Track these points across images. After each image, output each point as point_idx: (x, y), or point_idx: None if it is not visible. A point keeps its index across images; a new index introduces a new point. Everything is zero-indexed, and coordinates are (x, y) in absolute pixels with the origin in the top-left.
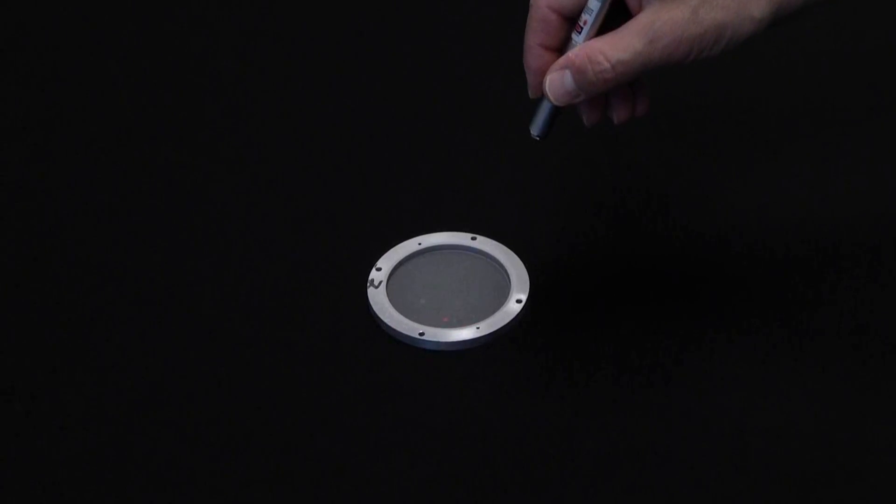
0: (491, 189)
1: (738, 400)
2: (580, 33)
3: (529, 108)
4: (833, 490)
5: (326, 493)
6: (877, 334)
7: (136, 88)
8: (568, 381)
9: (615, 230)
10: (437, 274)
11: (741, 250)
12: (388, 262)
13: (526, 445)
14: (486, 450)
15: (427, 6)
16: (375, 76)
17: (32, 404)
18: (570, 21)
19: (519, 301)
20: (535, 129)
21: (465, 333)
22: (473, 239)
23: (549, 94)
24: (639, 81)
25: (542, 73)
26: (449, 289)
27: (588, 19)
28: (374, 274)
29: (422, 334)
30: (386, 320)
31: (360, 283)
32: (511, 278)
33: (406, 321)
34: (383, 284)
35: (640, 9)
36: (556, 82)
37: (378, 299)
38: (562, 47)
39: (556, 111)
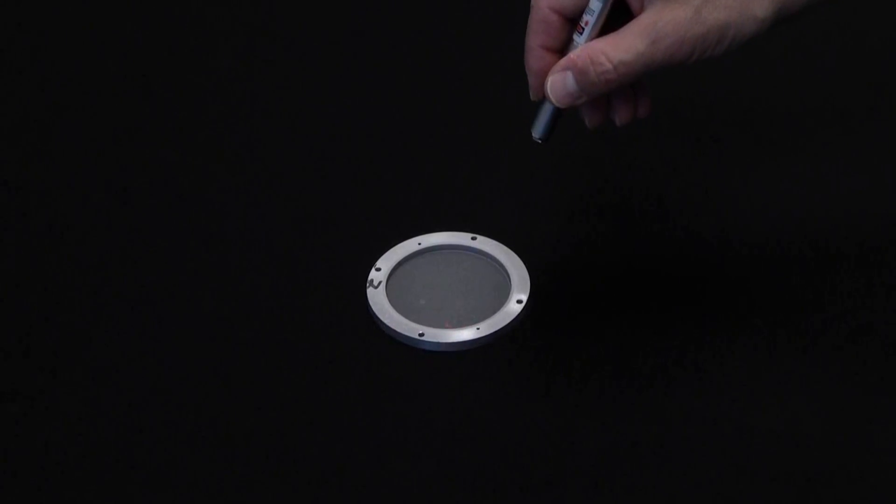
0: (491, 189)
1: (740, 401)
2: (582, 34)
3: (529, 107)
4: (836, 491)
5: (326, 495)
6: (879, 335)
7: (136, 88)
8: (569, 381)
9: (616, 230)
10: (437, 274)
11: (743, 250)
12: (387, 262)
13: (526, 447)
14: (487, 451)
15: (427, 6)
16: (375, 76)
17: (31, 405)
18: (572, 22)
19: (519, 301)
20: (536, 132)
21: (466, 334)
22: (474, 239)
23: (550, 96)
24: (640, 82)
25: (544, 75)
26: (449, 289)
27: (589, 20)
28: (373, 274)
29: (421, 335)
30: (385, 321)
31: (360, 284)
32: (511, 278)
33: (406, 322)
34: (383, 285)
35: (642, 9)
36: (558, 84)
37: (377, 300)
38: (563, 49)
39: (557, 113)
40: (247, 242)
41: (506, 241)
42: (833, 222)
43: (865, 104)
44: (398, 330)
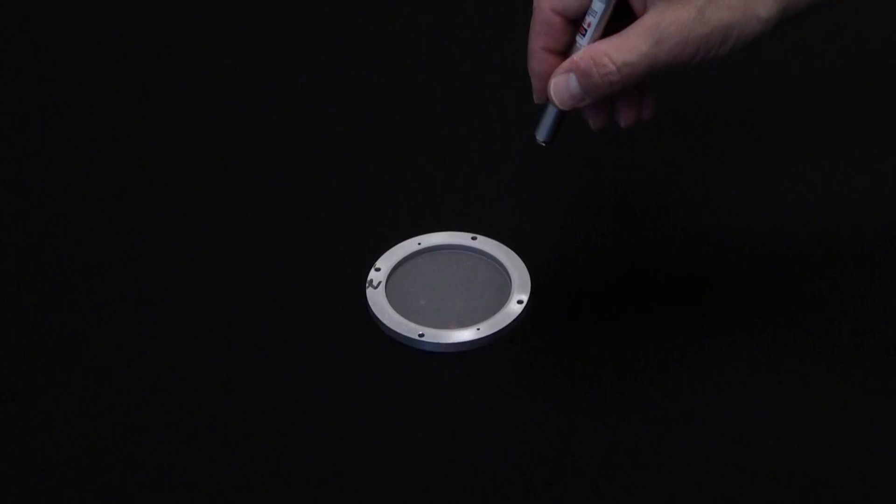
0: (491, 188)
1: (741, 401)
2: (584, 36)
3: (530, 107)
4: (837, 492)
5: (326, 496)
6: (880, 335)
7: (134, 87)
8: (569, 382)
9: (618, 230)
10: (436, 274)
11: (744, 250)
12: (387, 262)
13: (527, 448)
14: (487, 452)
15: (427, 5)
16: (375, 76)
17: (30, 405)
18: (574, 24)
19: (520, 302)
20: (540, 135)
21: (466, 335)
22: (474, 239)
23: (553, 99)
24: (644, 83)
25: (547, 78)
26: (449, 289)
27: (592, 21)
28: (372, 274)
29: (421, 335)
30: (385, 321)
31: (359, 284)
32: (512, 279)
33: (405, 322)
34: (382, 285)
35: (645, 10)
36: (561, 86)
37: (377, 300)
38: (566, 51)
39: (561, 116)
40: (245, 242)
41: (506, 241)
42: (835, 222)
43: (867, 104)
44: (398, 330)
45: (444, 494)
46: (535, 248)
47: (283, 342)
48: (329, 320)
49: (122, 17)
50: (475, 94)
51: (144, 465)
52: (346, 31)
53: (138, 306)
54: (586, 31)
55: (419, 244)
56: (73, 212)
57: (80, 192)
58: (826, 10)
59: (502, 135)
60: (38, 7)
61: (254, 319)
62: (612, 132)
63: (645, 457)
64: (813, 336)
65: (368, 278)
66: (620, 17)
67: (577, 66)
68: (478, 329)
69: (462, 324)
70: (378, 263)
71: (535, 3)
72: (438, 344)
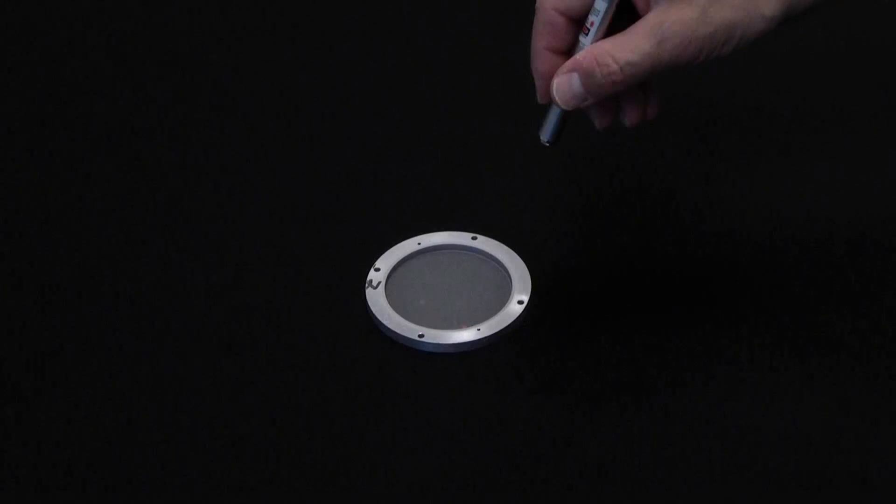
0: (492, 188)
1: (744, 401)
2: (587, 35)
3: (530, 106)
4: (840, 493)
5: (325, 498)
6: (885, 335)
7: (133, 86)
8: (571, 383)
9: (619, 229)
10: (436, 274)
11: (747, 250)
12: (386, 262)
13: (528, 449)
14: (488, 453)
15: (428, 5)
16: (375, 75)
17: (26, 406)
18: (577, 23)
19: (521, 302)
20: (544, 135)
21: (466, 335)
22: (474, 238)
23: (556, 98)
24: (649, 83)
25: (550, 77)
26: (449, 290)
27: (595, 20)
28: (372, 274)
29: (421, 336)
30: (385, 322)
31: (358, 284)
32: (513, 279)
33: (405, 323)
34: (382, 285)
35: (648, 9)
36: (564, 86)
37: (376, 300)
38: (569, 50)
39: (565, 116)
40: (244, 242)
41: (507, 241)
42: (838, 222)
43: (875, 102)
44: (397, 331)
45: (445, 496)
46: (536, 248)
47: (281, 343)
48: (328, 321)
49: (122, 17)
50: (475, 94)
51: (143, 467)
52: (347, 30)
53: (136, 306)
54: (589, 30)
55: (419, 244)
56: (71, 212)
57: (76, 191)
58: (830, 9)
59: (503, 134)
60: (36, 5)
61: (252, 320)
62: (615, 131)
63: (646, 457)
64: (816, 336)
65: (368, 278)
66: (624, 17)
67: (580, 66)
68: (478, 329)
69: (462, 324)
70: (378, 263)
71: (538, 3)
72: (438, 344)
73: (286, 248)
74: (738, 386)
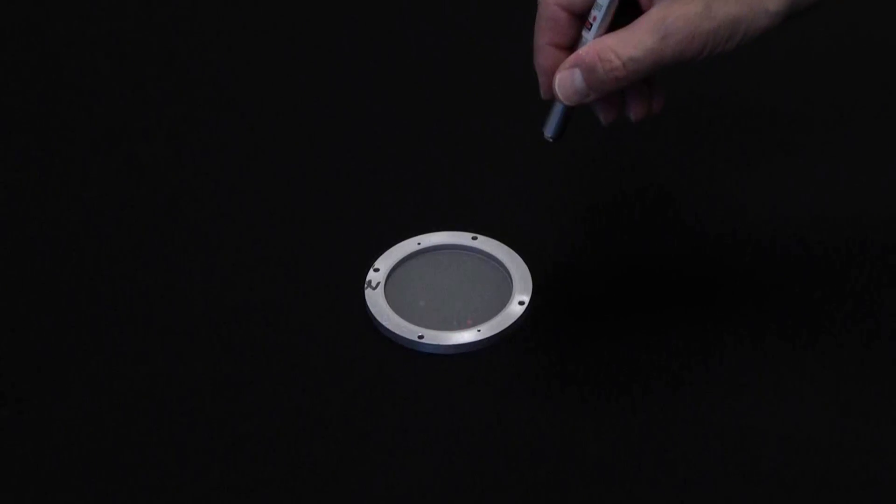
0: (492, 187)
1: (748, 404)
2: (590, 30)
3: (531, 105)
4: (843, 495)
5: (325, 500)
6: (887, 336)
7: (132, 86)
8: (572, 384)
9: (620, 229)
10: (436, 275)
11: (749, 250)
12: (386, 262)
13: (529, 451)
14: (488, 455)
15: (428, 4)
16: (374, 74)
17: (21, 409)
18: (580, 18)
19: (521, 303)
20: (548, 131)
21: (466, 336)
22: (474, 238)
23: (558, 94)
24: (653, 77)
25: (553, 73)
26: (449, 290)
27: (597, 15)
28: (371, 275)
29: (421, 337)
30: (384, 323)
31: (358, 285)
32: (513, 279)
33: (405, 324)
34: (381, 286)
35: (651, 4)
36: (566, 81)
37: (376, 301)
38: (572, 45)
39: (568, 111)
40: (242, 241)
41: (507, 241)
42: (841, 222)
43: (879, 101)
44: (397, 332)
45: (445, 497)
46: (537, 248)
47: (280, 344)
48: (327, 322)
49: (121, 16)
50: (475, 94)
51: (142, 467)
52: (347, 30)
53: (134, 307)
54: (592, 25)
55: (419, 244)
56: (69, 212)
57: (74, 191)
58: (834, 5)
59: (504, 133)
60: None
61: (250, 321)
62: (616, 130)
63: (648, 459)
64: (818, 336)
65: (367, 279)
66: (627, 12)
67: (582, 62)
68: (478, 330)
69: (461, 325)
70: (377, 264)
71: None
72: (438, 346)
73: (284, 248)
74: (740, 386)
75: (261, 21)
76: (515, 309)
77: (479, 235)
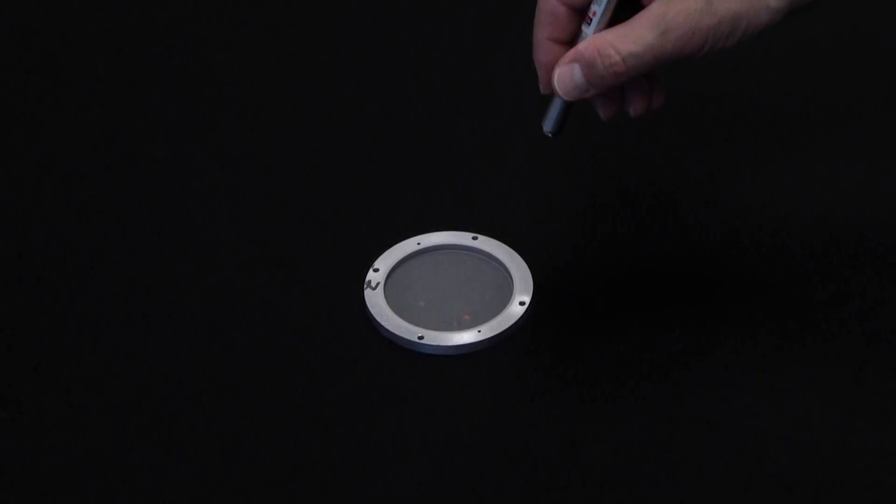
0: (493, 187)
1: (749, 404)
2: (590, 25)
3: (532, 104)
4: (845, 496)
5: (324, 502)
6: (891, 337)
7: (131, 85)
8: (573, 385)
9: (621, 229)
10: (436, 275)
11: (751, 250)
12: (385, 262)
13: (530, 452)
14: (489, 457)
15: (428, 4)
16: (374, 73)
17: (18, 409)
18: (580, 13)
19: (522, 303)
20: (547, 126)
21: (467, 337)
22: (475, 238)
23: (557, 89)
24: (654, 72)
25: (552, 68)
26: (449, 291)
27: (597, 10)
28: (371, 275)
29: (421, 338)
30: (384, 323)
31: (357, 285)
32: (514, 279)
33: (405, 324)
34: (381, 286)
35: None
36: (566, 76)
37: (375, 302)
38: (572, 40)
39: (568, 106)
40: (241, 242)
41: (508, 241)
42: (843, 221)
43: (882, 99)
44: (397, 333)
45: (445, 499)
46: (538, 248)
47: (279, 345)
48: (326, 322)
49: (121, 15)
50: (476, 94)
51: (141, 468)
52: (346, 30)
53: (133, 307)
54: (592, 20)
55: (419, 244)
56: (67, 212)
57: (73, 191)
58: (835, 2)
59: (504, 132)
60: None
61: (249, 322)
62: (619, 128)
63: (650, 460)
64: (819, 336)
65: (366, 279)
66: (627, 6)
67: (582, 57)
68: (479, 331)
69: (461, 325)
70: (376, 264)
71: None
72: (438, 346)
73: (284, 249)
74: (742, 387)
75: (261, 21)
76: (516, 309)
77: (479, 235)
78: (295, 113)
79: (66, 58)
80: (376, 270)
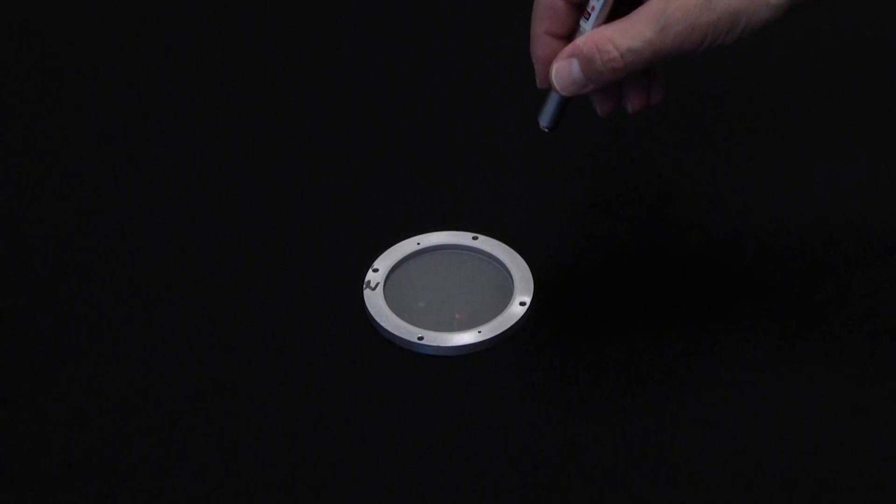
0: (493, 186)
1: (750, 404)
2: (588, 20)
3: (532, 104)
4: (847, 497)
5: (324, 501)
6: (890, 336)
7: (129, 84)
8: (573, 386)
9: (622, 229)
10: (436, 275)
11: (752, 250)
12: (385, 262)
13: (530, 453)
14: (488, 459)
15: (428, 4)
16: (373, 72)
17: (15, 410)
18: (578, 7)
19: (522, 303)
20: (543, 121)
21: (467, 337)
22: (475, 238)
23: (555, 84)
24: (652, 68)
25: (550, 63)
26: (449, 291)
27: (596, 5)
28: (370, 275)
29: (421, 338)
30: (383, 324)
31: (356, 285)
32: (514, 280)
33: (404, 325)
34: (380, 286)
35: None
36: (563, 71)
37: (375, 302)
38: (570, 35)
39: (565, 102)
40: (241, 242)
41: (508, 241)
42: (845, 221)
43: (883, 98)
44: (396, 333)
45: (445, 499)
46: (538, 248)
47: (278, 346)
48: (326, 323)
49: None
50: (476, 93)
51: (140, 468)
52: (346, 29)
53: (132, 308)
54: (590, 14)
55: (418, 244)
56: (66, 212)
57: (72, 191)
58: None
59: (504, 132)
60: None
61: (248, 322)
62: (619, 127)
63: (650, 461)
64: (819, 336)
65: (366, 280)
66: (626, 1)
67: (580, 52)
68: (479, 332)
69: (462, 326)
70: (376, 264)
71: None
72: (438, 347)
73: (283, 249)
74: (742, 387)
75: (260, 21)
76: (517, 310)
77: (479, 235)
78: (295, 113)
79: (65, 58)
80: (376, 271)
